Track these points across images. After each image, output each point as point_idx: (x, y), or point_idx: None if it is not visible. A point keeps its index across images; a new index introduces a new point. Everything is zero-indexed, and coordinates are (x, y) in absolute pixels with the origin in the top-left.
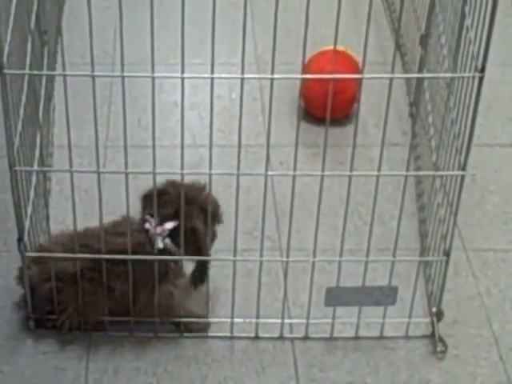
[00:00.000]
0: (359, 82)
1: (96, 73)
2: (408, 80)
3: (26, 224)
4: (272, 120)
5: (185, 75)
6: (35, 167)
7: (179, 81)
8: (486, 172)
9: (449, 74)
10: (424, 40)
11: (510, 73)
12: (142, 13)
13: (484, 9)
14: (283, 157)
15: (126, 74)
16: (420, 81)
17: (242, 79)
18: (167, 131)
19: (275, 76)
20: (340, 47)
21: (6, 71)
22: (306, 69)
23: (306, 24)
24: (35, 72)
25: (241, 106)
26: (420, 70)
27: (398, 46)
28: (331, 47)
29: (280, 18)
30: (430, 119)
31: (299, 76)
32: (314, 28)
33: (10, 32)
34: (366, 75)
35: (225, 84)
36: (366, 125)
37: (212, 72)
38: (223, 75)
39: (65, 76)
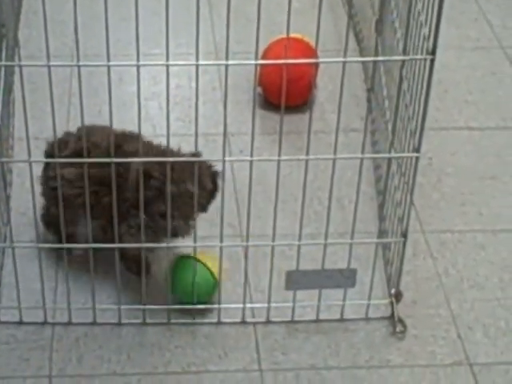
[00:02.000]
0: (316, 68)
1: (51, 63)
2: (365, 66)
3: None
4: (231, 108)
5: (140, 63)
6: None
7: (136, 70)
8: (443, 155)
9: (400, 57)
10: (379, 25)
11: (465, 56)
12: (99, 5)
13: None
14: (243, 145)
15: (81, 63)
16: (376, 66)
17: (197, 66)
18: (128, 122)
19: (230, 62)
20: (297, 35)
21: None
22: (263, 57)
23: (258, 9)
24: None
25: (196, 92)
26: (376, 55)
27: (354, 33)
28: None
29: (239, 7)
30: (387, 104)
31: (253, 62)
32: (271, 17)
33: None
34: (319, 60)
35: (184, 73)
36: (325, 111)
37: (167, 59)
38: (178, 62)
39: (20, 66)
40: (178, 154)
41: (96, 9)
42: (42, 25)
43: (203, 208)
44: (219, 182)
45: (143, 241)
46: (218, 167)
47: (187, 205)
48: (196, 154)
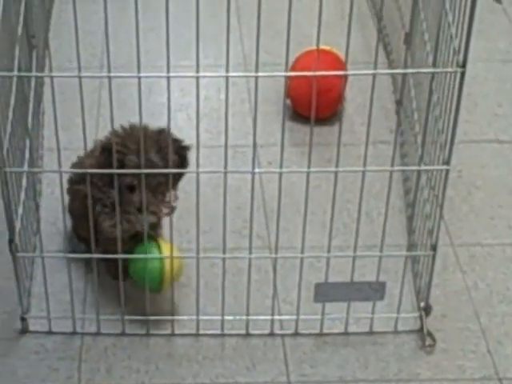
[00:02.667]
0: (345, 79)
1: (82, 74)
2: (394, 78)
3: (17, 225)
4: (260, 120)
5: (171, 74)
6: (25, 168)
7: (166, 81)
8: (472, 168)
9: (431, 70)
10: (408, 38)
11: (494, 69)
12: (129, 15)
13: (464, 5)
14: (272, 156)
15: (112, 74)
16: (405, 78)
17: (227, 77)
18: None
19: (260, 74)
20: (326, 47)
21: None
22: (292, 68)
23: (288, 23)
24: (23, 74)
25: (226, 104)
26: (405, 68)
27: (383, 45)
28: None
29: (268, 19)
30: (416, 116)
31: (283, 74)
32: (300, 29)
33: None
34: (348, 72)
35: (212, 85)
36: (354, 123)
37: (197, 71)
38: (208, 74)
39: (52, 77)
40: (144, 128)
41: (124, 19)
42: (71, 35)
43: (171, 183)
44: (187, 155)
45: (119, 229)
46: (186, 142)
47: (152, 177)
48: (162, 130)
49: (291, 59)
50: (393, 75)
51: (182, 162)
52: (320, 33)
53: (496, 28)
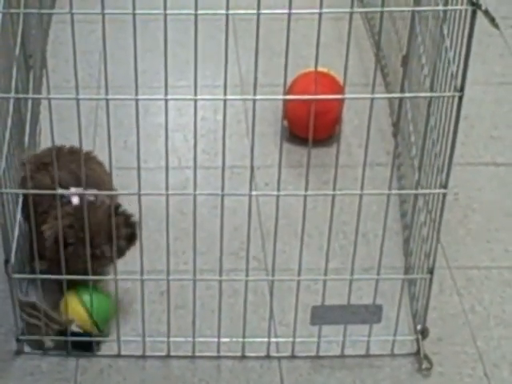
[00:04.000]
0: (342, 102)
1: (80, 96)
2: (391, 101)
3: (13, 246)
4: (257, 141)
5: (168, 97)
6: (22, 189)
7: (164, 103)
8: (469, 191)
9: (428, 94)
10: (405, 61)
11: (491, 92)
12: (126, 36)
13: (462, 30)
14: (268, 178)
15: (110, 96)
16: (402, 101)
17: (225, 100)
18: (153, 153)
19: (257, 97)
20: (323, 69)
21: None
22: (289, 90)
23: (286, 46)
24: (21, 95)
25: (224, 127)
26: (402, 91)
27: (380, 67)
28: (314, 69)
29: (264, 40)
30: (413, 139)
31: (281, 97)
32: (297, 50)
33: None
34: (347, 95)
35: (210, 106)
36: (351, 145)
37: (195, 94)
38: (206, 97)
39: (49, 99)
40: (95, 208)
41: (121, 39)
42: (68, 55)
43: (120, 255)
44: (137, 232)
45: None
46: (135, 218)
47: (103, 262)
48: (116, 207)
49: (288, 80)
50: (389, 98)
51: (131, 239)
52: (318, 55)
53: (492, 50)
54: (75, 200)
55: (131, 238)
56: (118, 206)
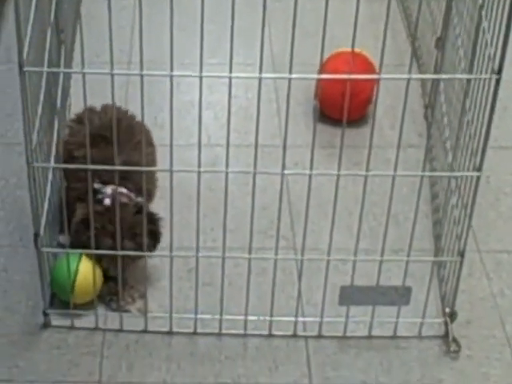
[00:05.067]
0: (375, 83)
1: (115, 71)
2: (423, 82)
3: (42, 220)
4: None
5: (203, 74)
6: (52, 164)
7: (195, 80)
8: (501, 174)
9: (466, 75)
10: (440, 42)
11: None
12: (157, 12)
13: (501, 12)
14: (298, 157)
15: (144, 72)
16: (436, 83)
17: (260, 79)
18: (183, 130)
19: (293, 76)
20: (356, 49)
21: (26, 69)
22: (321, 70)
23: (324, 26)
24: (54, 69)
25: (258, 106)
26: (436, 72)
27: (415, 49)
28: (346, 49)
29: (297, 20)
30: (446, 121)
31: (317, 76)
32: (328, 30)
33: (29, 30)
34: (383, 76)
35: (241, 84)
36: (382, 126)
37: (230, 71)
38: (241, 74)
39: (84, 74)
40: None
41: (152, 16)
42: (99, 30)
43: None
44: (160, 230)
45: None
46: (159, 220)
47: (125, 257)
48: (139, 210)
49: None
50: (422, 79)
51: (154, 241)
52: (349, 34)
53: None
54: (107, 201)
55: (154, 235)
56: (140, 207)
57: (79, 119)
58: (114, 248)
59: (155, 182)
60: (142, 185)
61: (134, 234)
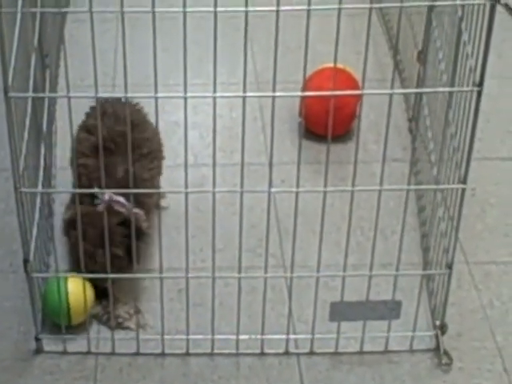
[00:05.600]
0: (359, 98)
1: (100, 94)
2: (406, 96)
3: (32, 245)
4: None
5: (188, 95)
6: (39, 189)
7: (180, 101)
8: (486, 185)
9: (447, 89)
10: (421, 56)
11: (507, 86)
12: (141, 34)
13: (481, 24)
14: (284, 174)
15: (129, 94)
16: (419, 96)
17: (244, 98)
18: (170, 151)
19: (277, 94)
20: (339, 65)
21: (11, 94)
22: (304, 87)
23: (306, 43)
24: (40, 94)
25: (243, 125)
26: (418, 86)
27: (397, 63)
28: (329, 65)
29: (279, 37)
30: (430, 134)
31: (301, 94)
32: (311, 46)
33: (13, 56)
34: (365, 91)
35: (225, 103)
36: (366, 141)
37: (214, 91)
38: (226, 94)
39: (69, 98)
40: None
41: (134, 38)
42: (82, 54)
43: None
44: (132, 254)
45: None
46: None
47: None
48: (123, 221)
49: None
50: (405, 93)
51: (129, 256)
52: (331, 50)
53: (508, 44)
54: (100, 208)
55: (129, 251)
56: (124, 218)
57: (87, 128)
58: (91, 253)
59: (154, 196)
60: (140, 197)
61: (111, 243)
